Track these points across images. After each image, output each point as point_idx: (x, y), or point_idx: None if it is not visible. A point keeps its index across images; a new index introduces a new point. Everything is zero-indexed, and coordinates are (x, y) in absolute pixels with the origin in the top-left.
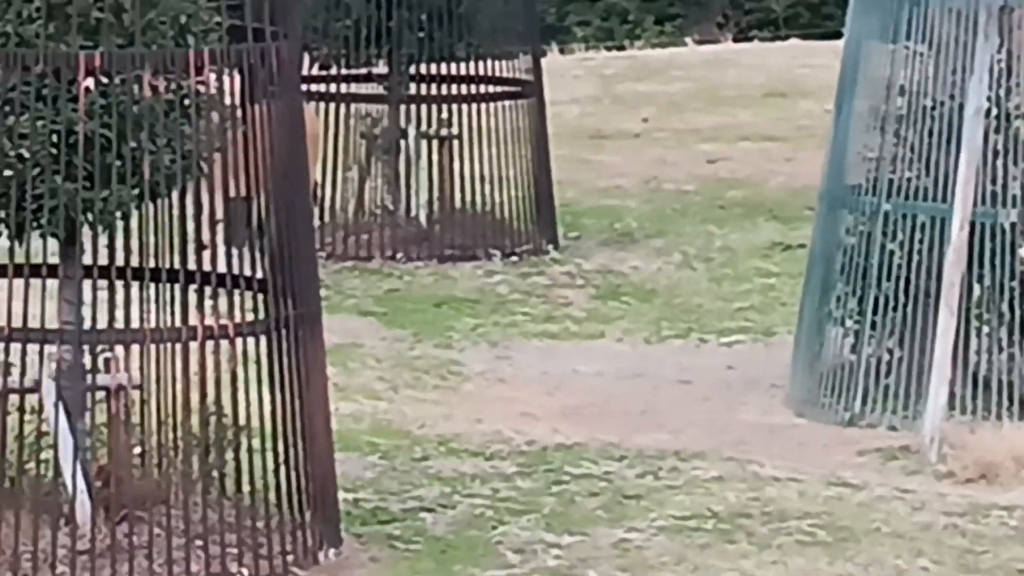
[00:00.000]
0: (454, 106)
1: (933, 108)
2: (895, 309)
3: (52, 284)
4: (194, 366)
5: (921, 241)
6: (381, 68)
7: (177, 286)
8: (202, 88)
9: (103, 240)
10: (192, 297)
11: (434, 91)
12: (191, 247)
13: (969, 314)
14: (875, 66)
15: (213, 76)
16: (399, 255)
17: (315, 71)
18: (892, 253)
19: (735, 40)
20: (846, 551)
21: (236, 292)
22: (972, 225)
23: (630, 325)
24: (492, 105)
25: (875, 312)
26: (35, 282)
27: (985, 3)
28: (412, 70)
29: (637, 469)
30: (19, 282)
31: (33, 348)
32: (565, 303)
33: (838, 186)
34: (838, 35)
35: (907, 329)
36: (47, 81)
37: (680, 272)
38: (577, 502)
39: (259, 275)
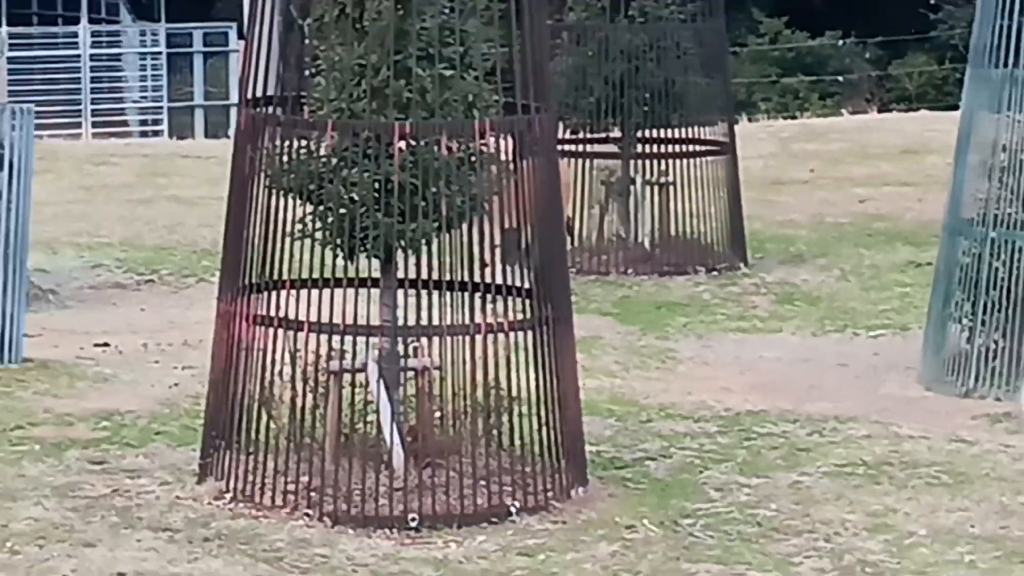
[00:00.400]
0: (670, 161)
1: None
2: (999, 311)
3: (375, 293)
4: (479, 353)
5: (1019, 260)
6: (616, 133)
7: (466, 294)
8: (484, 148)
9: (412, 260)
10: (477, 302)
11: (655, 150)
12: (476, 265)
13: None
14: (984, 130)
15: (492, 139)
16: (629, 271)
17: (567, 135)
18: (997, 270)
19: (879, 111)
20: (963, 491)
21: (509, 298)
22: None
23: (800, 323)
24: (698, 160)
25: (984, 313)
26: (363, 291)
27: None
28: (639, 134)
29: (807, 429)
30: (351, 291)
31: (361, 340)
32: (752, 306)
33: (956, 219)
34: (956, 107)
35: (1008, 325)
36: (371, 143)
37: (838, 283)
38: (762, 453)
39: (526, 286)
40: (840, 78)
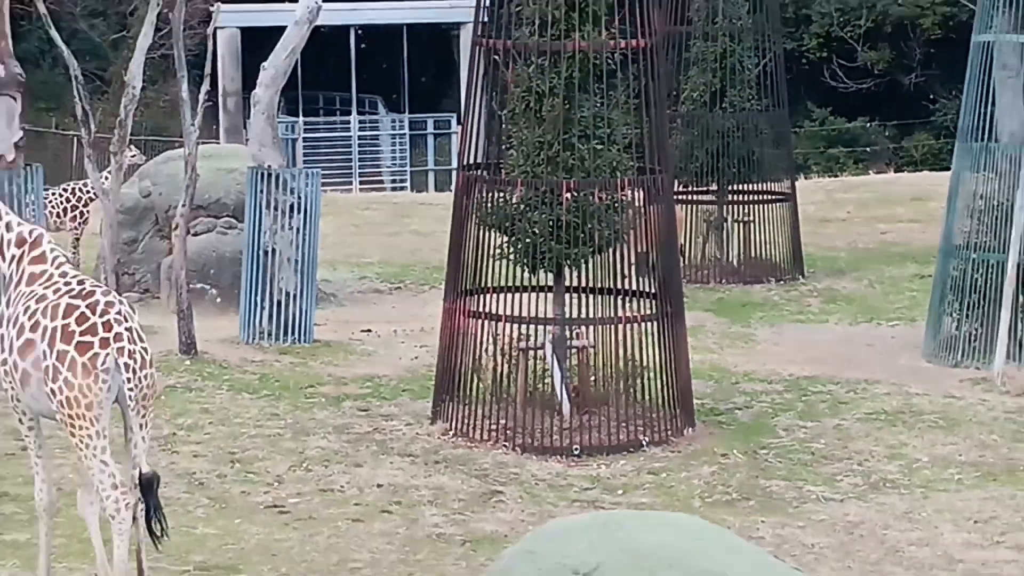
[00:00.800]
0: (751, 206)
1: (997, 206)
2: (978, 308)
3: (549, 296)
4: (620, 336)
5: (991, 273)
6: (713, 187)
7: (611, 296)
8: (624, 198)
9: (575, 273)
10: (619, 302)
11: (740, 198)
12: (618, 276)
13: (1018, 308)
14: (967, 185)
15: (629, 192)
16: (723, 281)
17: (680, 189)
18: (976, 280)
19: (895, 172)
20: (954, 431)
21: (641, 299)
22: (1019, 266)
23: (841, 316)
24: (770, 205)
25: (967, 309)
26: (541, 295)
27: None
28: (729, 188)
29: (845, 388)
30: (533, 295)
31: (541, 328)
32: (807, 305)
33: (949, 245)
34: (948, 169)
35: (984, 318)
36: (547, 195)
37: (867, 289)
38: (814, 405)
39: (652, 291)
40: (868, 149)
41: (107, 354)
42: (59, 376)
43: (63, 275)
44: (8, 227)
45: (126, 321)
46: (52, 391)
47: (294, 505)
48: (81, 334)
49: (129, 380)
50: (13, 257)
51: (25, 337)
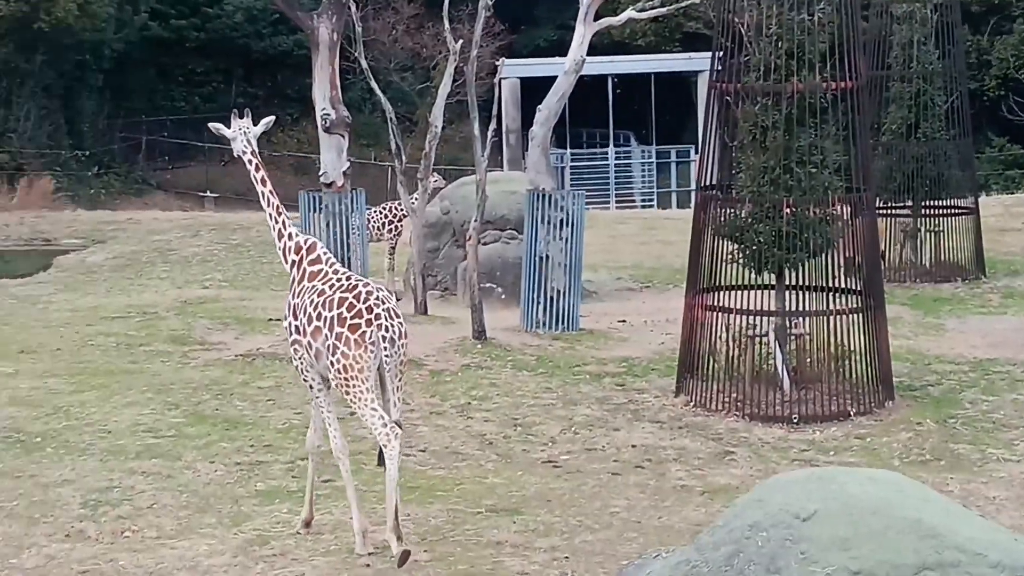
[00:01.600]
0: (941, 218)
1: None
2: None
3: (772, 293)
4: (832, 326)
5: None
6: (909, 203)
7: (824, 293)
8: (834, 212)
9: (794, 274)
10: (831, 297)
11: (932, 212)
12: (830, 276)
13: None
14: None
15: (839, 207)
16: (917, 280)
17: (881, 205)
18: None
19: None
20: None
21: (849, 295)
22: None
23: (1017, 309)
24: (956, 218)
25: None
26: (766, 292)
27: None
28: (923, 204)
29: (1021, 368)
30: (759, 292)
31: (765, 319)
32: (989, 300)
33: None
34: None
35: None
36: (770, 211)
37: None
38: (995, 383)
39: (858, 288)
40: None
41: (372, 331)
42: (337, 350)
43: (335, 272)
44: (290, 236)
45: (384, 303)
46: (331, 362)
47: (564, 461)
48: (351, 318)
49: (386, 350)
50: (293, 262)
51: (315, 324)
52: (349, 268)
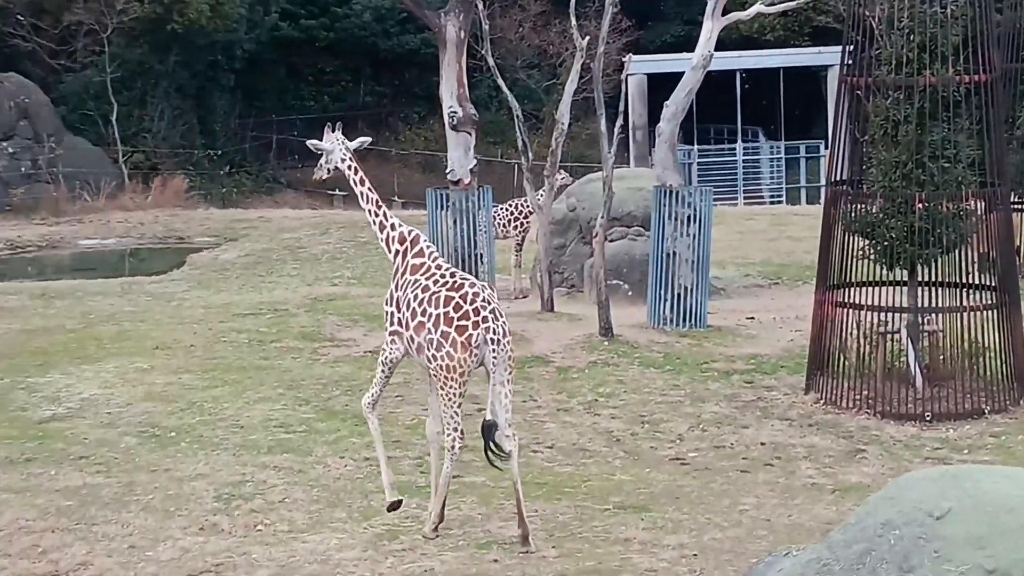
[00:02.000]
0: None
1: None
2: None
3: (904, 289)
4: (966, 323)
5: None
6: None
7: (958, 289)
8: (967, 207)
9: (926, 270)
10: (964, 293)
11: None
12: (963, 272)
13: None
14: None
15: (972, 202)
16: None
17: (1016, 199)
18: None
19: None
20: None
21: (983, 292)
22: None
23: None
24: None
25: None
26: (897, 288)
27: None
28: None
29: None
30: (890, 288)
31: (897, 316)
32: None
33: None
34: None
35: None
36: (902, 205)
37: None
38: None
39: (992, 284)
40: None
41: (478, 333)
42: (442, 349)
43: (439, 267)
44: (393, 227)
45: (489, 304)
46: (432, 357)
47: (693, 458)
48: (458, 319)
49: (494, 350)
50: (397, 252)
51: (418, 319)
52: (477, 266)
